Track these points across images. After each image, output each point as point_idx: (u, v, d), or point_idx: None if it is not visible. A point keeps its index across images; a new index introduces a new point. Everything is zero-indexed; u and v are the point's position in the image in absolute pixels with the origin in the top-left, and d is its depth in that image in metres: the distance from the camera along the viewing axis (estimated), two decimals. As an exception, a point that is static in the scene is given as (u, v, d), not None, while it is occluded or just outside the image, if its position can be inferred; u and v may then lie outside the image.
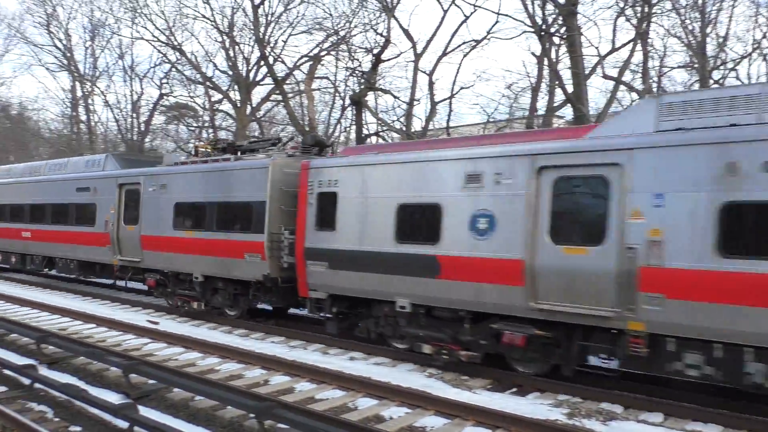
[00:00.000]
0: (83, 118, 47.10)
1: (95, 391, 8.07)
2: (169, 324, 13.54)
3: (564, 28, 20.05)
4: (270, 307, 14.86)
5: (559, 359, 9.08)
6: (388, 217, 10.46)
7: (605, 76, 22.52)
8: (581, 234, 8.47)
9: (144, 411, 7.13)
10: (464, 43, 26.10)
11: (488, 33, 25.04)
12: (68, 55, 46.25)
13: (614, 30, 22.16)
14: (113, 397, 7.92)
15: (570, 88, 19.86)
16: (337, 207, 11.27)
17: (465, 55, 26.53)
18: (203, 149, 15.89)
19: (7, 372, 9.17)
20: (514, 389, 9.03)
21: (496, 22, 25.24)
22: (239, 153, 14.79)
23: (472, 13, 24.64)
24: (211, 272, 13.88)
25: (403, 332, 10.57)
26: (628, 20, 22.42)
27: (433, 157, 10.13)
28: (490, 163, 9.34)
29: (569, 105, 20.48)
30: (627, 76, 23.29)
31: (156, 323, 13.38)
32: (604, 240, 8.19)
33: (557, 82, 21.65)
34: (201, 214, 14.08)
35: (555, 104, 23.21)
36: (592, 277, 8.26)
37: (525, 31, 22.66)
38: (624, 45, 22.33)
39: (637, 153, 8.02)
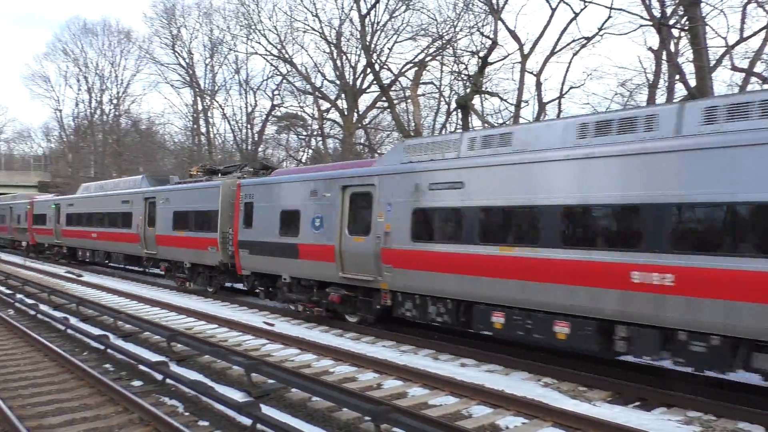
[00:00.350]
0: (203, 130, 50.32)
1: (220, 389, 8.50)
2: (284, 326, 14.05)
3: (685, 19, 18.80)
4: (244, 288, 18.33)
5: (364, 312, 13.38)
6: (276, 218, 15.26)
7: (734, 68, 20.84)
8: (361, 228, 12.87)
9: (265, 409, 7.41)
10: (574, 41, 25.27)
11: (600, 29, 24.05)
12: (190, 72, 49.80)
13: (743, 17, 20.38)
14: (236, 395, 8.31)
15: (693, 83, 18.58)
16: (253, 212, 16.16)
17: (575, 54, 25.68)
18: (194, 172, 22.09)
19: (142, 367, 9.91)
20: (638, 403, 8.53)
21: (609, 17, 24.02)
22: (220, 174, 20.49)
23: (582, 10, 23.75)
24: (193, 260, 19.57)
25: (287, 297, 15.24)
26: (760, 5, 20.61)
27: (295, 179, 15.32)
28: (320, 184, 14.08)
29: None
30: (759, 67, 21.42)
31: (272, 325, 13.94)
32: (370, 232, 12.57)
33: (678, 77, 20.33)
34: (186, 219, 19.73)
35: (675, 100, 21.78)
36: (365, 256, 12.62)
37: (642, 25, 21.52)
38: (755, 33, 20.57)
39: (382, 178, 12.46)
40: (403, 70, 32.15)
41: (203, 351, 10.22)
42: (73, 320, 14.01)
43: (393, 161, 12.56)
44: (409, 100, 31.44)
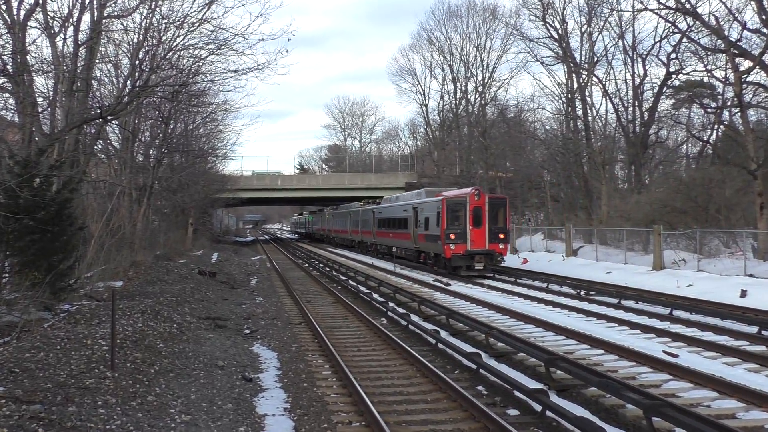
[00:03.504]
0: (579, 112, 50.49)
1: (612, 431, 8.27)
2: (693, 358, 13.03)
3: None
4: None
5: None
6: None
7: None
8: None
9: (674, 467, 6.91)
10: None
11: None
12: (563, 44, 50.56)
13: None
14: (634, 442, 7.97)
15: None
16: None
17: None
18: None
19: (517, 394, 10.29)
20: None
21: None
22: None
23: None
24: None
25: None
26: None
27: None
28: None
29: None
30: None
31: (675, 356, 13.08)
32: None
33: None
34: None
35: None
36: None
37: None
38: None
39: None
40: None
41: (589, 382, 10.11)
42: (443, 333, 15.45)
43: None
44: None
